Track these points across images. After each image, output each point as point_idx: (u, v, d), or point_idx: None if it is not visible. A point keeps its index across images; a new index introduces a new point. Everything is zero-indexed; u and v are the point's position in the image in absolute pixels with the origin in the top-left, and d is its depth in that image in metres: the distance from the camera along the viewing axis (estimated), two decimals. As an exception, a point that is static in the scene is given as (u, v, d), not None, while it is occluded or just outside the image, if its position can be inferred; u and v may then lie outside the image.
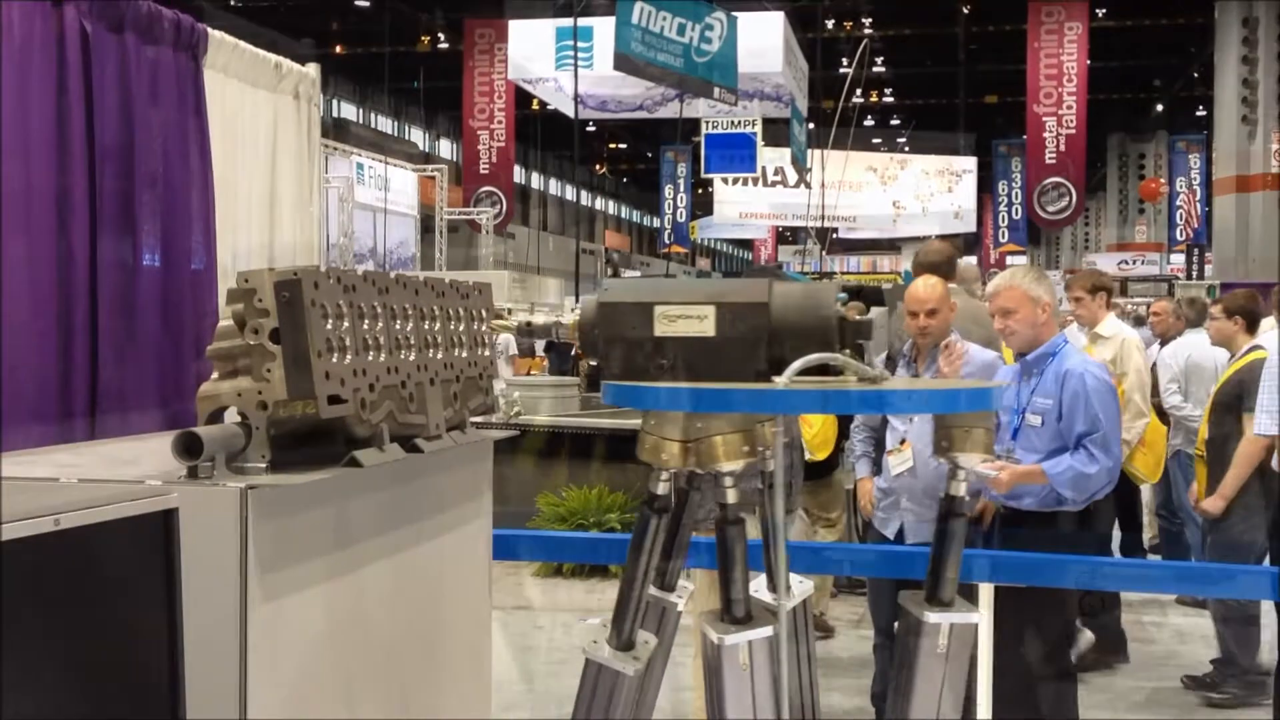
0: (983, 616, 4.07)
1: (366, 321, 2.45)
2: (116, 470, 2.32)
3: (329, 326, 2.28)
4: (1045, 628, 4.56)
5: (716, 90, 12.68)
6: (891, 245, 45.89)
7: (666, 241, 36.09)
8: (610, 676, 2.19)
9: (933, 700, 2.15)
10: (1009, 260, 32.41)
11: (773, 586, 2.26)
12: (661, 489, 2.19)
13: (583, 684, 2.24)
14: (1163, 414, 8.27)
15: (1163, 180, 39.13)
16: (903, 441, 5.05)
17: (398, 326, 2.59)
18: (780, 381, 1.97)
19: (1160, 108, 42.61)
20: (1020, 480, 4.67)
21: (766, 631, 2.07)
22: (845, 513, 7.40)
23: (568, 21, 12.81)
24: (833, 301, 2.10)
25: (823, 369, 2.03)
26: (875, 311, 11.16)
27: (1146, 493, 9.21)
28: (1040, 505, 4.71)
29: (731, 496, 2.10)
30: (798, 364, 1.97)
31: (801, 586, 2.34)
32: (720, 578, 2.11)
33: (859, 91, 22.27)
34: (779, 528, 2.15)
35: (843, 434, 6.71)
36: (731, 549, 2.09)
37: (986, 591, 4.10)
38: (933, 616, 2.16)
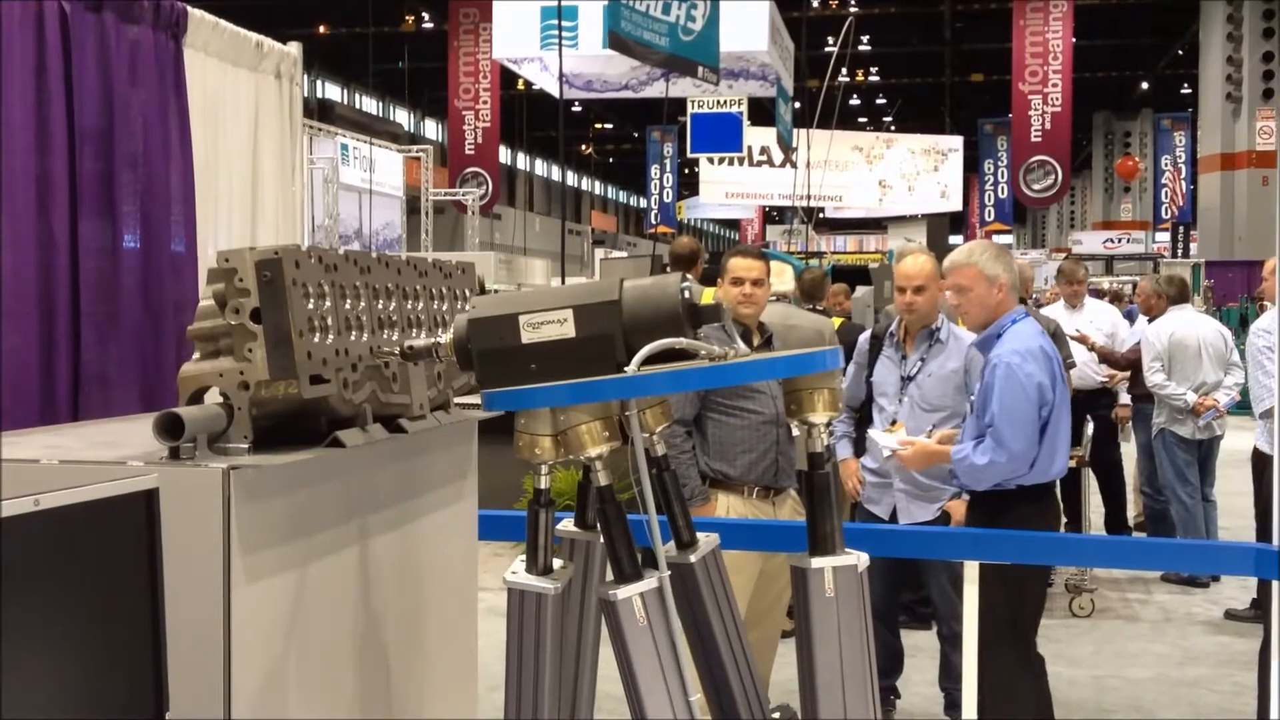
0: (969, 605, 4.11)
1: (348, 301, 2.44)
2: (98, 451, 2.31)
3: (310, 306, 2.27)
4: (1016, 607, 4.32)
5: (700, 70, 12.60)
6: (878, 224, 45.84)
7: (653, 222, 36.00)
8: (532, 599, 2.26)
9: (834, 645, 2.29)
10: (994, 239, 32.40)
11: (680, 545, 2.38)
12: (543, 483, 2.31)
13: (509, 615, 2.30)
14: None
15: (1138, 159, 39.18)
16: (894, 422, 4.98)
17: (380, 306, 2.58)
18: (630, 369, 2.12)
19: (1145, 86, 42.61)
20: (928, 459, 4.55)
21: (654, 583, 2.19)
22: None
23: (552, 0, 12.72)
24: (677, 292, 2.21)
25: (680, 353, 2.19)
26: (860, 290, 11.09)
27: (1130, 471, 9.25)
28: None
29: (603, 479, 2.23)
30: (643, 352, 2.13)
31: (707, 540, 2.44)
32: (608, 550, 2.23)
33: (844, 70, 22.19)
34: (648, 496, 2.24)
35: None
36: (611, 525, 2.21)
37: (972, 569, 4.10)
38: (815, 561, 2.32)
